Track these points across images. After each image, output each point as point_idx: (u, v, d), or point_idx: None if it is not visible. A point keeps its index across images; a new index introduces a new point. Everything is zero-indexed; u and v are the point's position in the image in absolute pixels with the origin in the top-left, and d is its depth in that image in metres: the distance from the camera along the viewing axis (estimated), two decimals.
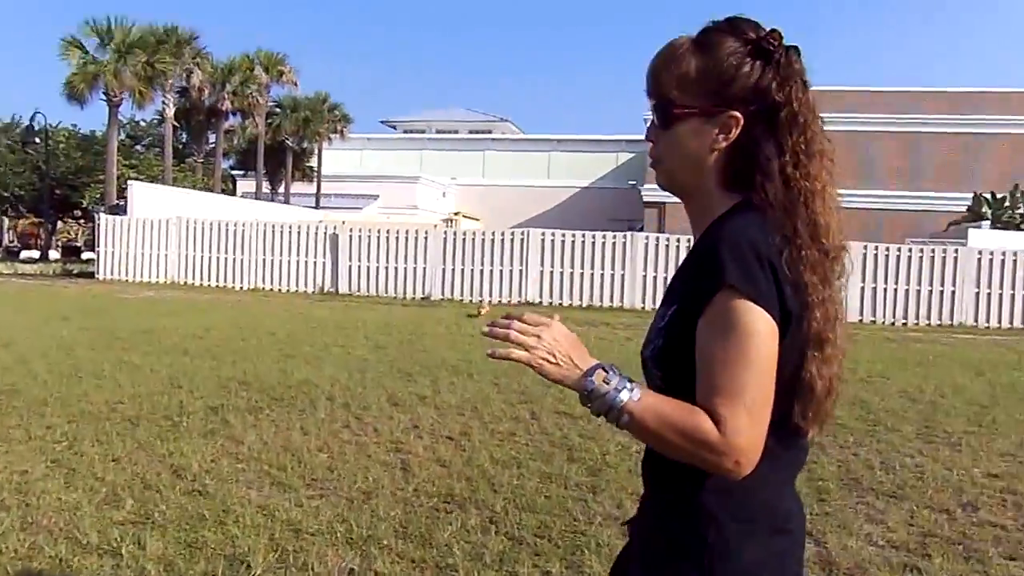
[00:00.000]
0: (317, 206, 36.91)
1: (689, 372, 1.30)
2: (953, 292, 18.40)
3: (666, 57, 1.40)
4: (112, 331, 11.47)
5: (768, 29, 1.38)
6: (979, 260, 18.47)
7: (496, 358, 1.34)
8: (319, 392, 7.54)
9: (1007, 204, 26.65)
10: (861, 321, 17.87)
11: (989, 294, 18.29)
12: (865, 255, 18.46)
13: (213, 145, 37.25)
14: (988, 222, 25.62)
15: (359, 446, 5.64)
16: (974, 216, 26.34)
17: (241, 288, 21.44)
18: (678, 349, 1.32)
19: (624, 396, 1.25)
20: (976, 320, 18.20)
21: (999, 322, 18.16)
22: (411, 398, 7.50)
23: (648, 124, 1.47)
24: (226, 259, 21.80)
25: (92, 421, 6.03)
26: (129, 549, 3.61)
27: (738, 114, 1.35)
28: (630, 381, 1.28)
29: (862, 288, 18.44)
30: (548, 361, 1.29)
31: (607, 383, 1.27)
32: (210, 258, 21.90)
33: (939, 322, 18.21)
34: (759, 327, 1.25)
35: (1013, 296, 18.27)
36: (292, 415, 6.55)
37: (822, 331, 1.31)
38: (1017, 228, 24.82)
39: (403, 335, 12.73)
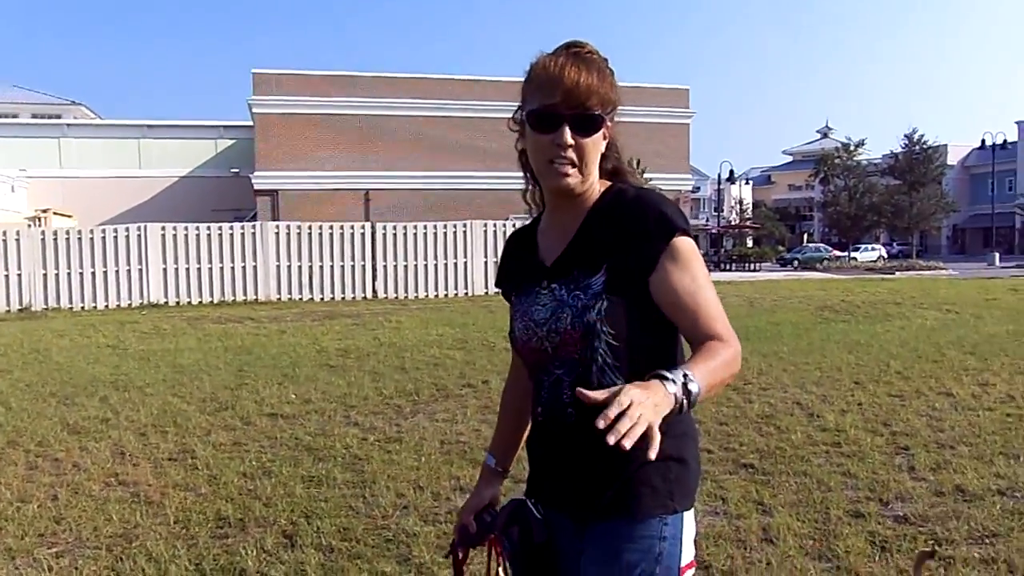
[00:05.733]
0: None
1: (634, 322, 1.53)
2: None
3: (596, 74, 1.56)
4: None
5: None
6: None
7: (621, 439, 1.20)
8: None
9: None
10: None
11: None
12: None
13: None
14: None
15: (71, 487, 4.83)
16: None
17: None
18: (623, 304, 1.53)
19: (694, 387, 1.32)
20: None
21: None
22: (91, 423, 6.57)
23: (553, 123, 1.54)
24: None
25: None
26: None
27: (610, 123, 1.62)
28: (673, 372, 1.32)
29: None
30: (653, 413, 1.24)
31: (680, 388, 1.30)
32: None
33: None
34: (697, 251, 1.55)
35: None
36: None
37: None
38: None
39: (22, 355, 10.99)
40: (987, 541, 3.68)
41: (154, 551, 3.76)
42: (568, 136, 1.53)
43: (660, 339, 1.58)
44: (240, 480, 4.89)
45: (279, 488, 4.68)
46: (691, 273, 1.51)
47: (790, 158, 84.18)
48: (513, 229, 1.83)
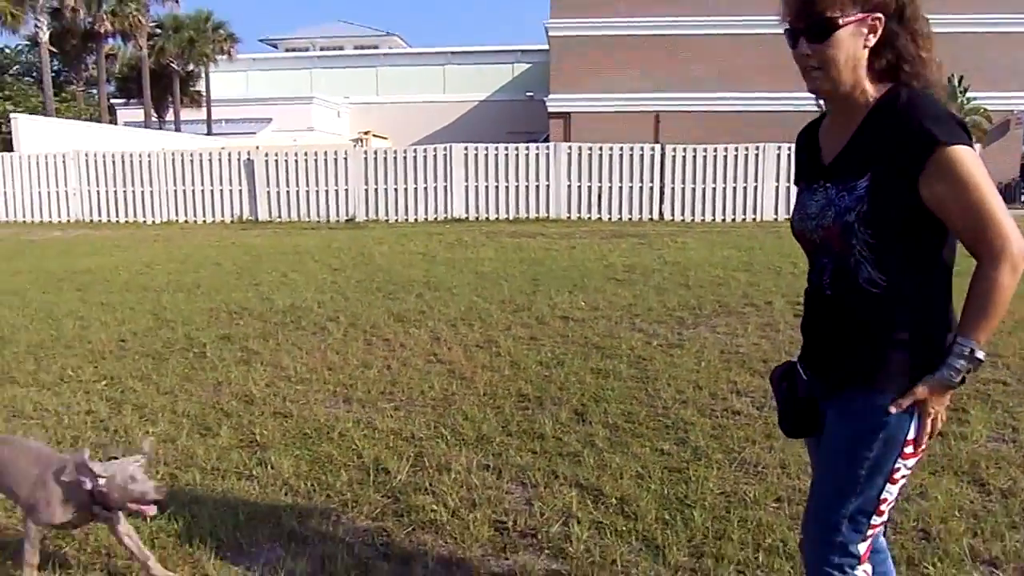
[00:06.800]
0: (209, 132, 35.30)
1: (893, 225, 1.68)
2: None
3: None
4: (49, 273, 10.94)
5: None
6: None
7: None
8: (317, 315, 7.55)
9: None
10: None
11: None
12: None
13: (90, 72, 34.70)
14: None
15: (400, 360, 5.75)
16: None
17: (153, 222, 20.55)
18: (883, 209, 1.67)
19: (980, 354, 1.68)
20: None
21: None
22: (411, 314, 7.60)
23: (793, 38, 1.74)
24: (134, 193, 20.80)
25: (112, 360, 5.90)
26: (260, 471, 3.68)
27: (881, 15, 1.67)
28: (961, 350, 1.68)
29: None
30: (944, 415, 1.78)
31: (961, 370, 1.68)
32: (116, 193, 20.84)
33: None
34: (975, 159, 1.62)
35: None
36: (309, 338, 6.56)
37: None
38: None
39: (352, 257, 12.66)
40: None
41: (469, 413, 4.46)
42: (805, 47, 1.71)
43: (920, 240, 1.71)
44: (537, 367, 5.51)
45: (571, 376, 5.24)
46: (957, 184, 1.62)
47: None
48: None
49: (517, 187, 20.16)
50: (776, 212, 19.40)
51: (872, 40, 1.69)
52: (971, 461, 3.68)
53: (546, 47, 33.25)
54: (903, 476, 1.78)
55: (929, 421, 1.73)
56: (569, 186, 20.08)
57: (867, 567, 1.82)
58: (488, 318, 7.36)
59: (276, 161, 20.35)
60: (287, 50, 50.43)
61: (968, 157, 1.62)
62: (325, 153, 20.41)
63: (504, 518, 3.16)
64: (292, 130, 35.14)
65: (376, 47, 49.24)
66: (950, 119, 1.64)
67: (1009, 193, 30.91)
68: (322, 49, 48.96)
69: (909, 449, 1.75)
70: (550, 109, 31.82)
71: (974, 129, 27.08)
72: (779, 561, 2.74)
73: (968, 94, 27.65)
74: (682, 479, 3.50)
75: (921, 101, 1.67)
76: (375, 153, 20.84)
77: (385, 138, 34.87)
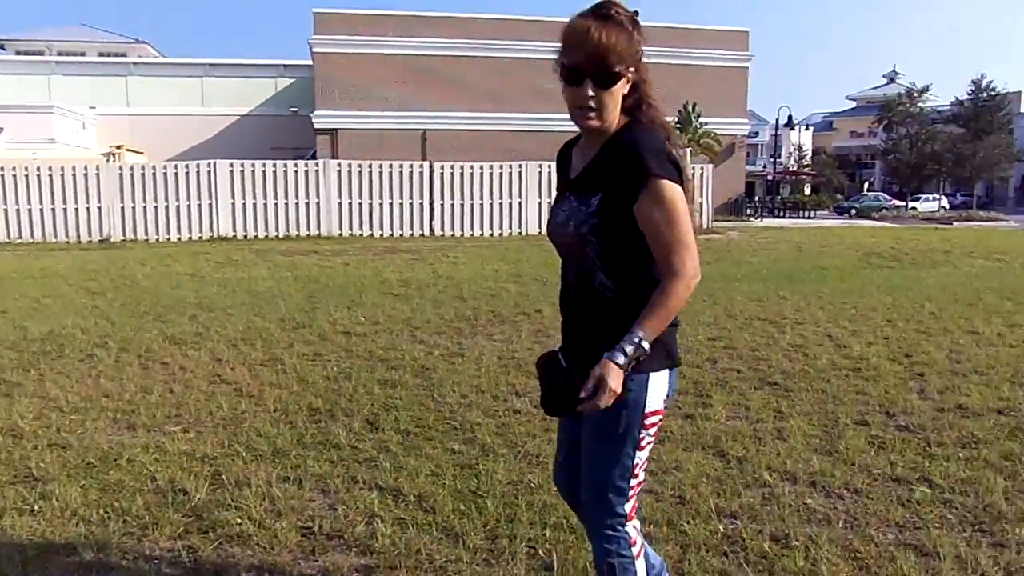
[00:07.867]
0: None
1: (619, 238, 1.99)
2: None
3: (616, 35, 1.93)
4: None
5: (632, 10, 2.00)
6: None
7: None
8: (82, 342, 7.13)
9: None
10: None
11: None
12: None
13: None
14: None
15: (181, 383, 5.64)
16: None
17: None
18: (611, 223, 1.99)
19: (645, 345, 1.93)
20: None
21: None
22: (187, 336, 7.39)
23: (578, 78, 1.98)
24: None
25: None
26: (43, 504, 3.54)
27: (634, 69, 2.00)
28: (631, 338, 1.93)
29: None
30: (615, 387, 1.95)
31: (627, 354, 1.93)
32: None
33: None
34: (676, 195, 1.95)
35: None
36: (77, 365, 6.22)
37: (692, 190, 2.12)
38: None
39: (112, 279, 11.95)
40: (973, 446, 4.23)
41: (262, 429, 4.52)
42: (590, 90, 1.95)
43: (639, 249, 2.03)
44: (325, 382, 5.64)
45: (359, 388, 5.42)
46: (659, 211, 1.93)
47: (853, 103, 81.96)
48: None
49: (287, 204, 19.87)
50: (539, 226, 20.53)
51: (626, 88, 2.01)
52: (714, 437, 4.34)
53: (310, 63, 32.87)
54: (648, 443, 2.12)
55: (603, 389, 1.94)
56: (340, 203, 20.10)
57: (635, 523, 2.20)
58: (269, 337, 7.33)
59: (15, 176, 18.61)
60: (18, 52, 45.88)
61: (672, 191, 1.94)
62: (74, 168, 18.99)
63: (310, 523, 3.31)
64: (30, 142, 31.97)
65: (124, 55, 46.04)
66: (665, 156, 1.94)
67: (737, 206, 34.68)
68: (60, 54, 44.97)
69: (648, 420, 2.08)
70: (316, 125, 31.52)
71: (706, 151, 30.11)
72: (564, 535, 3.12)
73: (701, 119, 30.69)
74: (473, 473, 3.83)
75: (644, 136, 1.98)
76: (131, 169, 19.66)
77: (140, 152, 32.75)
